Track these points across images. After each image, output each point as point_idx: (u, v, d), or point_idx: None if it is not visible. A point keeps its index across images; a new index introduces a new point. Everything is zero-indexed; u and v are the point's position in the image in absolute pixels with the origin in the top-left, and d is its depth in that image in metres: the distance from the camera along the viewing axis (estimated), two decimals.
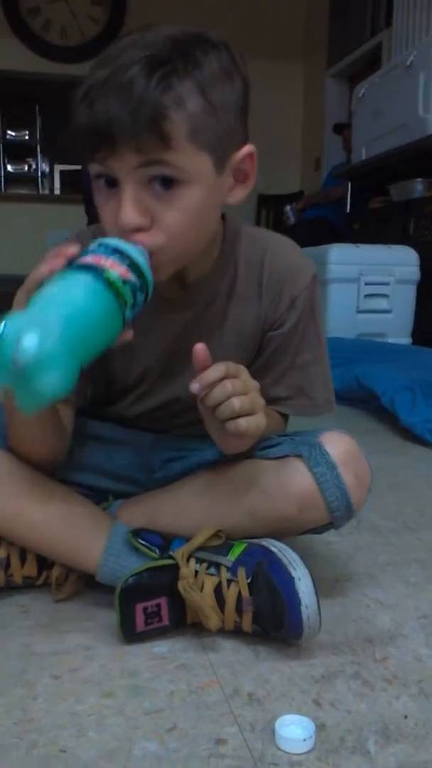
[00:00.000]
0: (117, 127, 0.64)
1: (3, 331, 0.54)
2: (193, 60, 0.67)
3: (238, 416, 0.69)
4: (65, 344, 0.55)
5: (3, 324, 0.55)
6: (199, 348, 0.69)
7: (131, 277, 0.63)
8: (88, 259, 0.63)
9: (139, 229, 0.68)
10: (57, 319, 0.56)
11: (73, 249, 0.64)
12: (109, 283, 0.61)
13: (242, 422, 0.69)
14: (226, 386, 0.68)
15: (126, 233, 0.68)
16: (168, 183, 0.68)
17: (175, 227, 0.70)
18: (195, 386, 0.68)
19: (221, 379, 0.68)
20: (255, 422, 0.70)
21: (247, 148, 0.75)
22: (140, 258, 0.66)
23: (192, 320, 0.84)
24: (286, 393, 0.87)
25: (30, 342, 0.53)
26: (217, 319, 0.85)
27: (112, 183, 0.69)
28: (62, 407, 0.82)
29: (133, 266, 0.64)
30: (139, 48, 0.66)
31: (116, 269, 0.62)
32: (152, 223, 0.69)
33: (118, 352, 0.85)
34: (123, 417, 0.91)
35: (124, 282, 0.62)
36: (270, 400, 0.85)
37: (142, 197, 0.68)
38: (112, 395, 0.90)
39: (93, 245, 0.65)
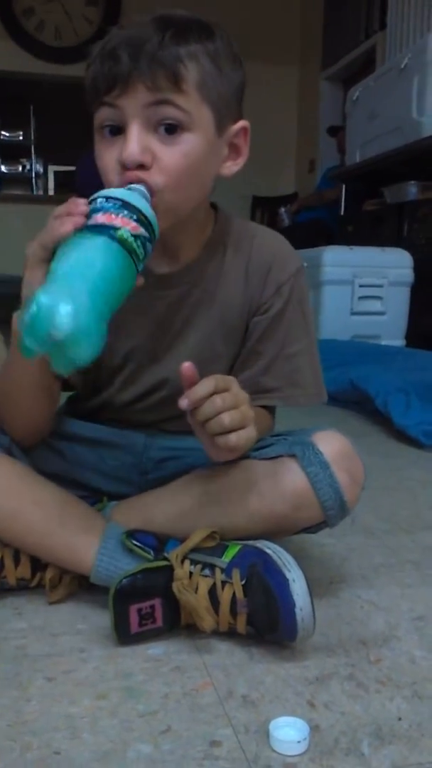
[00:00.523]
0: (134, 66, 0.69)
1: (37, 305, 0.57)
2: (208, 33, 0.74)
3: (229, 431, 0.70)
4: (95, 312, 0.59)
5: (36, 297, 0.57)
6: (186, 366, 0.70)
7: (141, 230, 0.66)
8: (100, 218, 0.64)
9: (140, 167, 0.71)
10: (85, 289, 0.59)
11: (83, 206, 0.66)
12: (123, 242, 0.63)
13: (232, 437, 0.70)
14: (216, 402, 0.69)
15: (127, 170, 0.71)
16: (173, 129, 0.72)
17: (174, 169, 0.73)
18: (184, 402, 0.69)
19: (210, 394, 0.69)
20: (245, 435, 0.71)
21: (242, 122, 0.80)
22: (146, 208, 0.67)
23: (179, 298, 0.86)
24: (275, 383, 0.87)
25: (65, 318, 0.56)
26: (204, 299, 0.86)
27: (117, 131, 0.73)
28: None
29: (141, 219, 0.66)
30: (157, 19, 0.72)
31: (128, 226, 0.64)
32: (153, 163, 0.72)
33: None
34: (113, 407, 0.91)
35: (135, 237, 0.65)
36: (260, 391, 0.85)
37: (147, 138, 0.72)
38: (100, 380, 0.90)
39: (100, 199, 0.66)
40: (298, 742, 0.60)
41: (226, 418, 0.69)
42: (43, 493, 0.83)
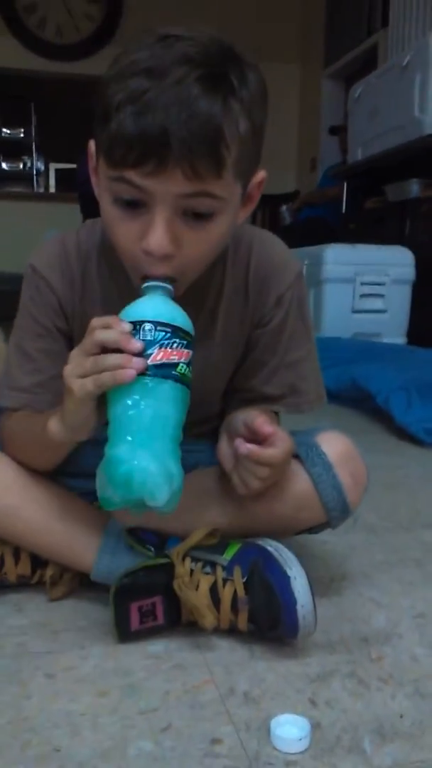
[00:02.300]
0: (176, 143, 0.59)
1: (129, 478, 0.62)
2: (242, 76, 0.64)
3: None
4: (178, 464, 0.65)
5: (126, 468, 0.62)
6: (260, 422, 0.71)
7: (190, 353, 0.66)
8: (159, 355, 0.63)
9: (167, 256, 0.65)
10: (169, 449, 0.64)
11: (137, 343, 0.63)
12: (183, 377, 0.65)
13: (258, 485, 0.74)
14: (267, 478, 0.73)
15: (153, 259, 0.65)
16: (205, 216, 0.66)
17: (201, 255, 0.69)
18: (244, 448, 0.71)
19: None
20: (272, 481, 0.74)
21: (261, 174, 0.73)
22: (188, 322, 0.67)
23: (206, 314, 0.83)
24: (278, 391, 0.86)
25: (163, 493, 0.63)
26: (207, 322, 0.83)
27: (136, 204, 0.65)
28: None
29: (189, 338, 0.66)
30: (190, 59, 0.61)
31: (183, 357, 0.65)
32: (179, 250, 0.66)
33: None
34: None
35: (188, 364, 0.66)
36: (263, 399, 0.84)
37: (175, 224, 0.65)
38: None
39: (149, 326, 0.64)
40: (300, 739, 0.59)
41: (261, 485, 0.73)
42: (44, 490, 0.83)
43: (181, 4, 4.86)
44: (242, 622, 0.74)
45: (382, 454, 1.62)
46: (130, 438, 0.63)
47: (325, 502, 0.77)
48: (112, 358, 0.62)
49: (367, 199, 3.79)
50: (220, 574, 0.75)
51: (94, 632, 0.78)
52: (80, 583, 0.85)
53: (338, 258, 2.93)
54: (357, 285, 2.94)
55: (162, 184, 0.62)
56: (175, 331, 0.64)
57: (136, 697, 0.67)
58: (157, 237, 0.64)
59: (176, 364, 0.64)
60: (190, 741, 0.60)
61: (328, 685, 0.69)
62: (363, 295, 2.96)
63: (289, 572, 0.72)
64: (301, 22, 5.66)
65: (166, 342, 0.63)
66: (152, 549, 0.79)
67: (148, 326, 0.64)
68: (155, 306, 0.65)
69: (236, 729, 0.62)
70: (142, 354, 0.62)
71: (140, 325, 0.64)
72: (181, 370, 0.64)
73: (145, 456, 0.62)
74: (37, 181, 5.99)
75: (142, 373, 0.62)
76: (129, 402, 0.63)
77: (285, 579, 0.72)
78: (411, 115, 3.30)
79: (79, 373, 0.64)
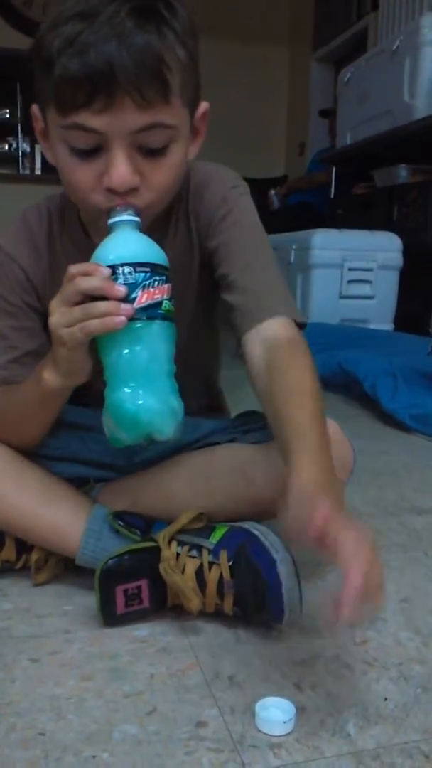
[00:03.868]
0: (120, 73, 0.61)
1: (136, 418, 0.65)
2: (172, 9, 0.65)
3: None
4: (177, 396, 0.67)
5: (131, 409, 0.65)
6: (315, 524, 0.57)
7: (170, 286, 0.67)
8: (143, 297, 0.64)
9: (131, 189, 0.67)
10: (167, 387, 0.67)
11: (121, 288, 0.64)
12: (168, 313, 0.66)
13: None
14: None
15: (118, 194, 0.67)
16: (162, 148, 0.67)
17: (163, 184, 0.70)
18: (314, 531, 0.57)
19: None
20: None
21: (204, 105, 0.74)
22: (162, 255, 0.67)
23: None
24: (257, 287, 0.78)
25: (169, 427, 0.67)
26: None
27: (92, 151, 0.66)
28: None
29: (166, 273, 0.67)
30: None
31: (165, 293, 0.66)
32: (141, 182, 0.68)
33: None
34: (93, 391, 0.89)
35: (171, 298, 0.67)
36: (246, 312, 0.78)
37: (133, 157, 0.67)
38: None
39: (127, 269, 0.64)
40: (284, 722, 0.60)
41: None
42: (28, 474, 0.82)
43: None
44: (228, 606, 0.74)
45: (368, 440, 1.62)
46: (130, 381, 0.65)
47: None
48: (101, 306, 0.63)
49: (356, 185, 3.78)
50: (206, 557, 0.75)
51: (79, 617, 0.77)
52: (65, 568, 0.85)
53: (326, 243, 2.92)
54: (345, 270, 2.93)
55: (115, 118, 0.63)
56: (154, 268, 0.65)
57: (121, 680, 0.66)
58: (119, 171, 0.66)
59: (160, 302, 0.65)
60: (174, 724, 0.60)
61: (313, 669, 0.69)
62: (350, 281, 2.95)
63: (275, 556, 0.72)
64: (291, 4, 5.60)
65: (147, 282, 0.64)
66: (138, 533, 0.78)
67: (127, 269, 0.64)
68: (129, 245, 0.66)
69: (221, 712, 0.62)
70: (126, 298, 0.63)
71: (119, 269, 0.64)
72: (165, 306, 0.66)
73: (147, 397, 0.65)
74: (22, 162, 5.91)
75: (130, 318, 0.63)
76: (123, 347, 0.65)
77: (271, 563, 0.72)
78: (400, 99, 3.28)
79: (66, 322, 0.65)
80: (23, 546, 0.84)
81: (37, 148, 6.07)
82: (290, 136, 5.81)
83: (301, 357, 0.74)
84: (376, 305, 3.01)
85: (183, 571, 0.74)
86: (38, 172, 5.98)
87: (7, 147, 5.90)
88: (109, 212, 0.67)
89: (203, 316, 0.88)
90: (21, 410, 0.80)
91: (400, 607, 0.82)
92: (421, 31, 3.15)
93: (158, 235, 0.81)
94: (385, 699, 0.65)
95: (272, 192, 4.58)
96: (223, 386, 1.05)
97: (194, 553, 0.76)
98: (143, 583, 0.75)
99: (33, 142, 5.99)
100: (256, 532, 0.75)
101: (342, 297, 2.96)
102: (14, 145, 5.90)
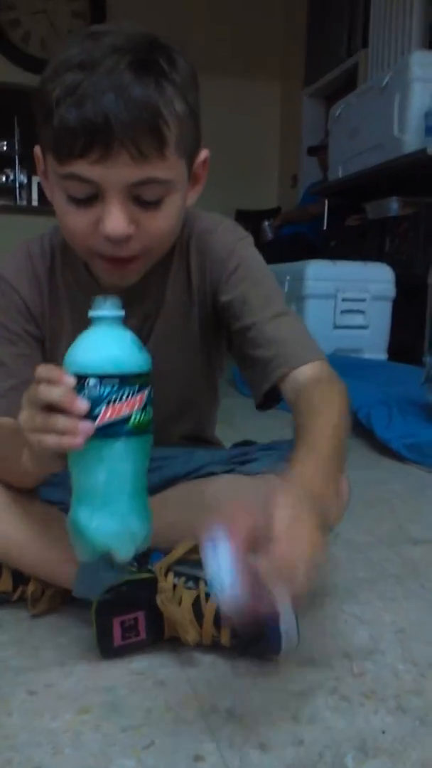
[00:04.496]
0: (117, 125, 0.62)
1: (95, 542, 0.63)
2: (171, 61, 0.67)
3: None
4: (141, 517, 0.65)
5: (91, 533, 0.63)
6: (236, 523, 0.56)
7: (146, 394, 0.62)
8: (107, 414, 0.59)
9: (126, 238, 0.68)
10: (131, 507, 0.64)
11: (83, 403, 0.58)
12: (137, 427, 0.61)
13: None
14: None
15: (113, 243, 0.68)
16: (157, 201, 0.68)
17: (159, 233, 0.71)
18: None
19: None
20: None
21: (204, 153, 0.76)
22: (139, 358, 0.62)
23: (145, 317, 0.85)
24: (274, 350, 0.79)
25: (128, 553, 0.65)
26: (153, 311, 0.85)
27: (88, 199, 0.67)
28: None
29: (143, 380, 0.62)
30: (118, 48, 0.64)
31: (135, 405, 0.61)
32: (136, 231, 0.69)
33: None
34: None
35: (144, 407, 0.62)
36: (268, 369, 0.80)
37: (128, 207, 0.68)
38: None
39: (93, 381, 0.59)
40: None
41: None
42: (24, 507, 0.82)
43: (166, 23, 4.91)
44: (225, 638, 0.74)
45: (363, 470, 1.63)
46: (87, 501, 0.63)
47: None
48: (59, 422, 0.59)
49: (348, 217, 3.84)
50: (203, 589, 0.75)
51: (76, 648, 0.77)
52: (62, 600, 0.85)
53: (319, 274, 2.95)
54: (338, 301, 2.97)
55: (110, 170, 0.64)
56: (124, 380, 0.60)
57: (118, 714, 0.66)
58: (114, 220, 0.67)
59: (128, 417, 0.60)
60: (172, 758, 0.60)
61: (311, 702, 0.69)
62: (344, 311, 2.98)
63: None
64: (283, 41, 5.74)
65: (114, 396, 0.60)
66: (135, 564, 0.78)
67: (92, 381, 0.60)
68: (100, 351, 0.61)
69: (218, 746, 0.62)
70: (89, 413, 0.59)
71: (84, 380, 0.60)
72: (134, 421, 0.61)
73: (104, 519, 0.62)
74: (19, 193, 5.97)
75: (92, 435, 0.59)
76: (82, 465, 0.62)
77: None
78: (390, 134, 3.35)
79: (29, 427, 0.62)
80: (20, 577, 0.84)
81: (34, 180, 6.15)
82: (283, 169, 5.91)
83: (337, 398, 0.75)
84: (370, 335, 3.04)
85: (180, 603, 0.74)
86: (35, 203, 6.06)
87: (4, 178, 5.97)
88: (92, 302, 0.63)
89: (200, 355, 0.89)
90: (10, 467, 0.78)
91: (398, 639, 0.82)
92: (410, 68, 3.23)
93: (157, 278, 0.83)
94: (383, 732, 0.65)
95: (266, 223, 4.65)
96: (219, 416, 1.06)
97: (191, 584, 0.76)
98: (140, 615, 0.75)
99: (30, 174, 6.07)
100: None
101: (336, 327, 2.98)
102: (11, 177, 5.98)
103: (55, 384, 0.59)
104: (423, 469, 1.66)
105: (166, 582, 0.75)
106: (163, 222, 0.71)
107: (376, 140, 3.49)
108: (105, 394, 0.60)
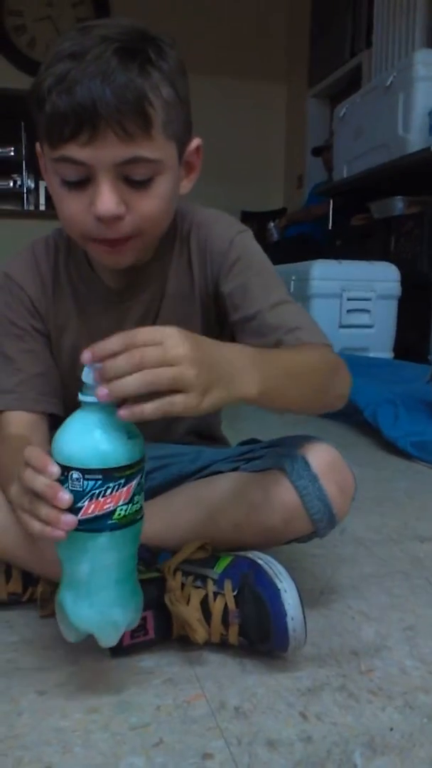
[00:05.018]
0: (102, 107, 0.65)
1: (78, 626, 0.64)
2: (159, 50, 0.69)
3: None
4: (125, 607, 0.64)
5: (76, 621, 0.63)
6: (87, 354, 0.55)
7: (133, 485, 0.60)
8: (90, 508, 0.58)
9: (117, 218, 0.70)
10: (113, 597, 0.63)
11: (65, 495, 0.57)
12: (122, 519, 0.60)
13: (147, 407, 0.54)
14: (125, 359, 0.53)
15: (105, 222, 0.70)
16: (145, 180, 0.70)
17: (150, 214, 0.73)
18: (86, 355, 0.55)
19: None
20: (169, 402, 0.54)
21: (197, 141, 0.78)
22: (124, 453, 0.59)
23: (147, 309, 0.87)
24: (275, 334, 0.79)
25: (110, 641, 0.66)
26: (155, 301, 0.86)
27: (81, 182, 0.70)
28: (38, 431, 0.85)
29: (131, 470, 0.59)
30: (107, 38, 0.66)
31: (120, 498, 0.59)
32: (128, 212, 0.71)
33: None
34: None
35: (132, 498, 0.60)
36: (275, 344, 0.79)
37: (119, 189, 0.70)
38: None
39: (76, 474, 0.58)
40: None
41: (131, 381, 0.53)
42: None
43: (167, 26, 4.93)
44: (233, 636, 0.75)
45: (370, 468, 1.63)
46: (73, 587, 0.63)
47: (311, 513, 0.78)
48: (42, 512, 0.58)
49: (353, 216, 3.84)
50: (211, 587, 0.75)
51: (85, 648, 0.77)
52: None
53: (325, 274, 2.96)
54: (343, 300, 2.97)
55: (99, 150, 0.67)
56: (108, 474, 0.58)
57: (127, 712, 0.66)
58: (104, 200, 0.69)
59: (112, 512, 0.59)
60: (181, 756, 0.60)
61: (319, 699, 0.69)
62: (350, 311, 2.99)
63: (280, 585, 0.72)
64: (287, 43, 5.75)
65: (97, 491, 0.58)
66: (143, 563, 0.79)
67: (75, 474, 0.58)
68: (86, 444, 0.58)
69: (227, 744, 0.62)
70: (73, 506, 0.58)
71: (68, 472, 0.58)
72: (120, 514, 0.59)
73: (86, 608, 0.63)
74: (27, 198, 6.00)
75: (74, 528, 0.58)
76: (67, 554, 0.62)
77: (275, 592, 0.72)
78: (395, 134, 3.35)
79: (18, 504, 0.62)
80: (29, 578, 0.85)
81: (41, 185, 6.18)
82: (288, 170, 5.92)
83: (343, 370, 0.78)
84: (376, 334, 3.04)
85: (188, 602, 0.75)
86: (42, 207, 6.09)
87: (12, 183, 6.01)
88: (82, 387, 0.59)
89: None
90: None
91: (405, 636, 0.82)
92: (414, 67, 3.23)
93: (158, 271, 0.85)
94: (391, 729, 0.65)
95: (271, 224, 4.65)
96: (224, 416, 1.06)
97: (199, 583, 0.76)
98: (148, 615, 0.75)
99: (37, 179, 6.11)
100: (260, 562, 0.76)
101: (341, 326, 2.99)
102: (19, 182, 6.01)
103: (41, 472, 0.59)
104: (429, 467, 1.66)
105: (175, 581, 0.76)
106: (153, 202, 0.72)
107: (381, 140, 3.49)
108: (88, 488, 0.58)
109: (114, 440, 0.58)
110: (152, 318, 0.87)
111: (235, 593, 0.74)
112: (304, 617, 0.72)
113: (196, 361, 0.55)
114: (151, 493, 0.88)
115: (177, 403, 0.54)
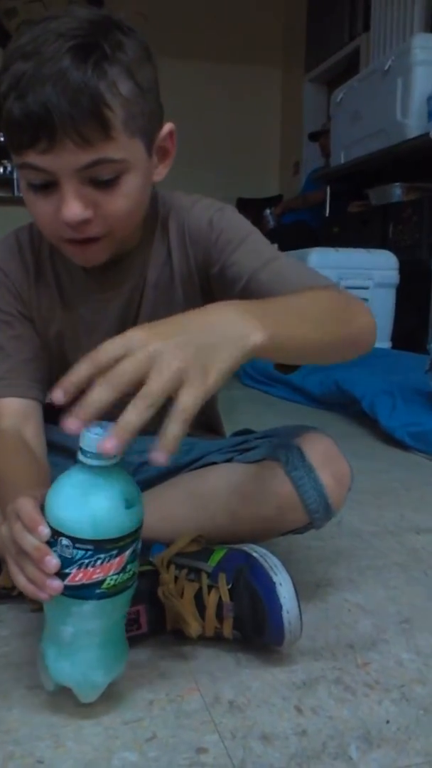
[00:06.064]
0: (57, 115, 0.62)
1: (61, 682, 0.63)
2: (117, 42, 0.66)
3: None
4: (109, 669, 0.63)
5: (59, 677, 0.62)
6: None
7: (127, 554, 0.58)
8: (77, 575, 0.56)
9: (84, 222, 0.69)
10: (95, 663, 0.62)
11: (53, 561, 0.56)
12: (112, 588, 0.58)
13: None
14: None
15: (72, 227, 0.69)
16: (110, 180, 0.69)
17: (118, 213, 0.71)
18: (57, 393, 0.50)
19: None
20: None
21: (168, 126, 0.76)
22: (117, 524, 0.56)
23: (129, 299, 0.86)
24: (267, 287, 0.76)
25: (89, 698, 0.63)
26: (138, 288, 0.85)
27: (47, 185, 0.69)
28: (31, 420, 0.85)
29: (120, 544, 0.57)
30: (61, 34, 0.63)
31: (111, 569, 0.57)
32: (96, 213, 0.70)
33: (69, 352, 0.86)
34: None
35: (126, 566, 0.58)
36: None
37: (84, 190, 0.68)
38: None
39: (66, 541, 0.56)
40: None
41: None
42: None
43: (162, 12, 4.87)
44: (227, 630, 0.74)
45: (367, 459, 1.62)
46: (55, 643, 0.62)
47: (307, 504, 0.77)
48: (28, 570, 0.58)
49: (351, 203, 3.82)
50: (205, 580, 0.74)
51: None
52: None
53: (322, 262, 2.94)
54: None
55: (58, 158, 0.65)
56: (99, 546, 0.56)
57: (120, 707, 0.66)
58: (69, 207, 0.68)
59: (101, 581, 0.57)
60: (175, 751, 0.60)
61: (314, 692, 0.69)
62: None
63: (275, 578, 0.71)
64: (283, 26, 5.69)
65: (86, 561, 0.56)
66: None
67: (65, 541, 0.56)
68: (77, 511, 0.56)
69: (221, 738, 0.61)
70: (60, 570, 0.56)
71: (58, 537, 0.56)
72: (108, 584, 0.58)
73: (67, 666, 0.62)
74: (17, 185, 5.96)
75: (60, 593, 0.57)
76: (50, 613, 0.61)
77: (270, 585, 0.71)
78: (393, 118, 3.32)
79: (6, 550, 0.61)
80: None
81: None
82: (284, 156, 5.88)
83: (357, 301, 0.74)
84: None
85: (182, 595, 0.74)
86: None
87: (1, 170, 5.96)
88: (81, 438, 0.55)
89: None
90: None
91: (401, 629, 0.82)
92: (413, 51, 3.20)
93: (139, 260, 0.83)
94: (387, 721, 0.64)
95: (267, 212, 4.62)
96: (220, 407, 1.05)
97: (193, 576, 0.75)
98: (141, 608, 0.74)
99: None
100: (255, 555, 0.75)
101: None
102: (9, 168, 5.96)
103: (30, 531, 0.57)
104: (427, 458, 1.65)
105: (168, 574, 0.75)
106: (121, 202, 0.70)
107: (379, 125, 3.46)
108: (77, 557, 0.56)
109: (109, 510, 0.56)
110: (135, 307, 0.86)
111: (229, 586, 0.73)
112: (300, 610, 0.71)
113: (174, 346, 0.49)
114: (145, 485, 0.87)
115: (186, 401, 0.49)
